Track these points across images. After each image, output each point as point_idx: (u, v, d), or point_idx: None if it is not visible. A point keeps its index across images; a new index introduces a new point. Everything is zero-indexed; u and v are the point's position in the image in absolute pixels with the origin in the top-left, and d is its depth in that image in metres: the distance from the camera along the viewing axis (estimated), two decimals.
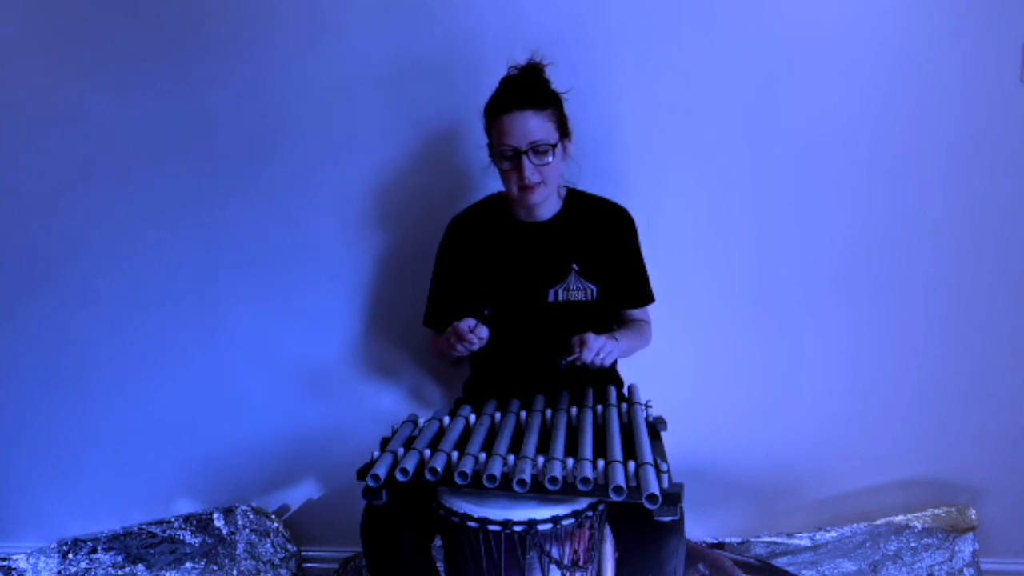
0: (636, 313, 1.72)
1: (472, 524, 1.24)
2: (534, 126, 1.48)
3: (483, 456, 1.28)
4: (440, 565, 1.50)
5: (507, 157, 1.51)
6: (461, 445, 1.35)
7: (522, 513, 1.23)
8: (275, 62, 1.87)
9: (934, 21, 1.73)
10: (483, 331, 1.48)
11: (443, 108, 1.85)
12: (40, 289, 2.04)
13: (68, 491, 2.13)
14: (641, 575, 1.34)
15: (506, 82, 1.56)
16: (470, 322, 1.48)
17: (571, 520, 1.24)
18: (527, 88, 1.53)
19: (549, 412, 1.47)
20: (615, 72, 1.81)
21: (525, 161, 1.49)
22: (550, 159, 1.51)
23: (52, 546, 2.12)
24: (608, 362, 1.49)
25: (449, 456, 1.29)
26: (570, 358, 1.46)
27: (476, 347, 1.49)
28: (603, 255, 1.63)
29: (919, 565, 1.89)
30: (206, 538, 2.06)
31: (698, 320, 1.89)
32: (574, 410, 1.47)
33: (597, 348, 1.46)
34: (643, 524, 1.30)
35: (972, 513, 1.89)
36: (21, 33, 1.92)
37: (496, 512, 1.23)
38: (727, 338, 1.90)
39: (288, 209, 1.94)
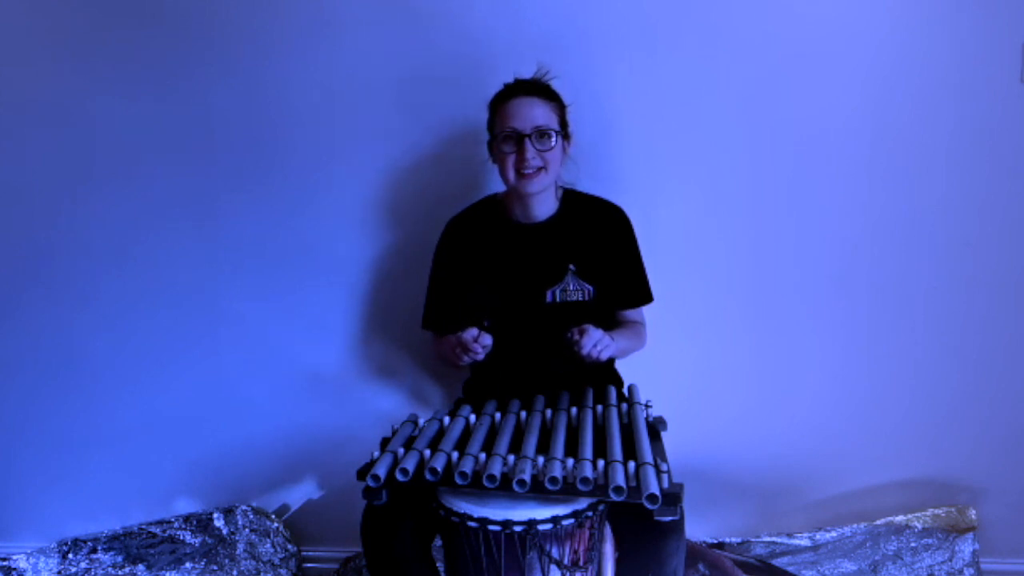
0: (631, 314, 1.72)
1: (472, 524, 1.24)
2: (539, 112, 1.53)
3: (483, 456, 1.28)
4: (440, 565, 1.50)
5: (510, 139, 1.52)
6: (461, 445, 1.35)
7: (522, 513, 1.23)
8: (277, 63, 1.87)
9: (934, 21, 1.73)
10: (487, 339, 1.48)
11: (444, 109, 1.85)
12: (40, 289, 2.04)
13: (68, 491, 2.13)
14: (641, 575, 1.34)
15: (513, 80, 1.60)
16: (473, 332, 1.48)
17: (571, 520, 1.24)
18: (534, 82, 1.59)
19: (549, 412, 1.47)
20: (613, 71, 1.81)
21: (528, 144, 1.51)
22: (553, 143, 1.52)
23: (52, 546, 2.12)
24: (604, 356, 1.49)
25: (449, 456, 1.29)
26: (572, 341, 1.47)
27: (481, 356, 1.50)
28: (600, 255, 1.63)
29: (919, 565, 1.89)
30: (206, 538, 2.06)
31: (697, 320, 1.89)
32: (574, 410, 1.47)
33: (596, 339, 1.47)
34: (643, 524, 1.30)
35: (972, 513, 1.89)
36: (23, 34, 1.92)
37: (496, 512, 1.23)
38: (726, 338, 1.90)
39: (290, 209, 1.94)
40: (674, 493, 1.19)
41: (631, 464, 1.24)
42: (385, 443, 1.42)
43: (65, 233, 2.00)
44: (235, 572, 2.03)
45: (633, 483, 1.20)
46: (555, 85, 1.61)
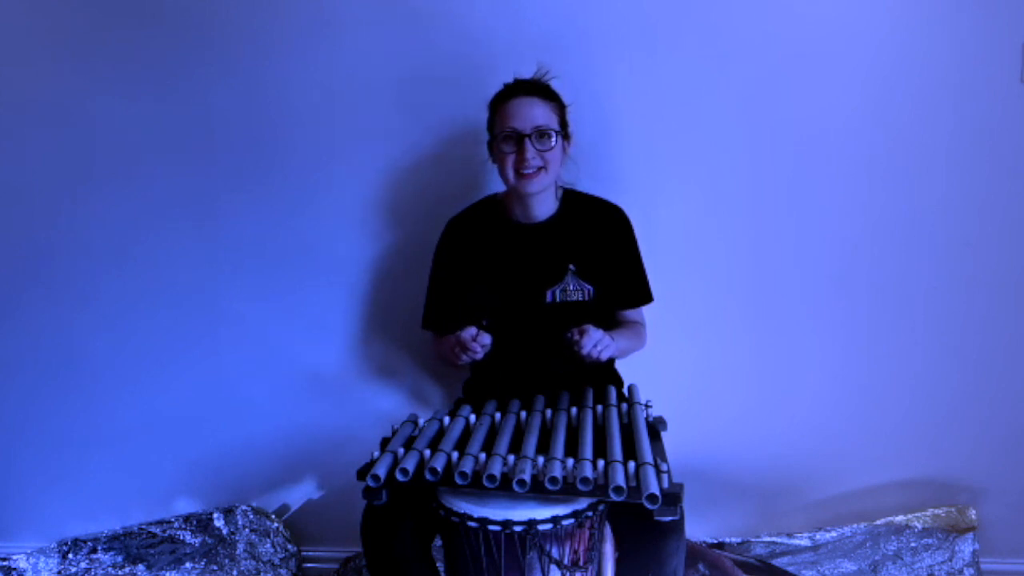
0: (631, 314, 1.72)
1: (472, 524, 1.24)
2: (539, 112, 1.53)
3: (483, 456, 1.28)
4: (440, 565, 1.50)
5: (510, 139, 1.53)
6: (461, 445, 1.35)
7: (522, 513, 1.23)
8: (277, 63, 1.87)
9: (934, 21, 1.73)
10: (485, 338, 1.49)
11: (444, 109, 1.85)
12: (40, 289, 2.04)
13: (68, 491, 2.13)
14: (641, 575, 1.34)
15: (513, 80, 1.60)
16: (471, 331, 1.48)
17: (571, 520, 1.24)
18: (534, 82, 1.59)
19: (549, 412, 1.47)
20: (613, 71, 1.81)
21: (528, 144, 1.51)
22: (553, 143, 1.53)
23: (52, 546, 2.12)
24: (604, 356, 1.49)
25: (449, 456, 1.29)
26: (572, 341, 1.47)
27: (480, 356, 1.50)
28: (600, 254, 1.63)
29: (919, 565, 1.89)
30: (206, 538, 2.06)
31: (697, 320, 1.89)
32: (574, 410, 1.47)
33: (596, 339, 1.47)
34: (643, 524, 1.30)
35: (972, 513, 1.89)
36: (23, 34, 1.92)
37: (496, 512, 1.23)
38: (726, 338, 1.90)
39: (290, 209, 1.94)
40: (674, 493, 1.19)
41: (631, 464, 1.24)
42: (385, 443, 1.42)
43: (65, 233, 2.00)
44: (235, 572, 2.03)
45: (633, 483, 1.20)
46: (555, 85, 1.61)
